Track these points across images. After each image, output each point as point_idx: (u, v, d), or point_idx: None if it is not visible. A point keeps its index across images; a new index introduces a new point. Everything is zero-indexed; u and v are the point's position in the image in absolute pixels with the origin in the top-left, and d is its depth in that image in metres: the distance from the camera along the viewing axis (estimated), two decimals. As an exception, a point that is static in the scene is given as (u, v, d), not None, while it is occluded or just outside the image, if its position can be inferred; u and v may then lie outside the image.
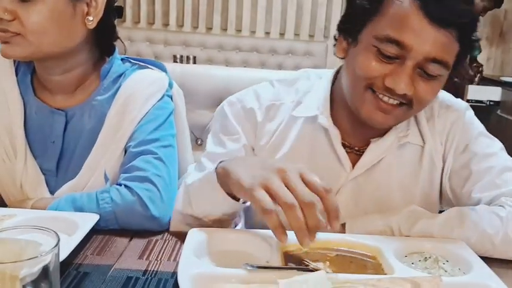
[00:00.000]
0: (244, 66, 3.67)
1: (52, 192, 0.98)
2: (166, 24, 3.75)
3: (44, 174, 0.98)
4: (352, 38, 0.90)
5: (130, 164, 0.92)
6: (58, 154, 0.99)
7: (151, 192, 0.88)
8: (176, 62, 2.95)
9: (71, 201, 0.87)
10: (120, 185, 0.89)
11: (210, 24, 3.79)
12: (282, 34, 3.82)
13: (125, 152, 0.96)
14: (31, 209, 0.89)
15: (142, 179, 0.89)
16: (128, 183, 0.88)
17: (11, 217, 0.80)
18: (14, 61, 1.01)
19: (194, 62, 3.01)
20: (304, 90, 1.00)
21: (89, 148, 0.97)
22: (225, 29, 3.81)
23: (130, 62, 1.06)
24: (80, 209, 0.86)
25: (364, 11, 0.87)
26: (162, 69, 1.08)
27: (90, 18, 0.92)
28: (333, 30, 3.75)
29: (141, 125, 0.96)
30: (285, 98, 1.01)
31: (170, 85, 1.06)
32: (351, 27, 0.90)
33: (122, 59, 1.05)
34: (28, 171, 0.97)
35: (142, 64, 1.06)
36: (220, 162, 0.80)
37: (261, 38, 3.79)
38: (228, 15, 3.79)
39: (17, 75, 1.00)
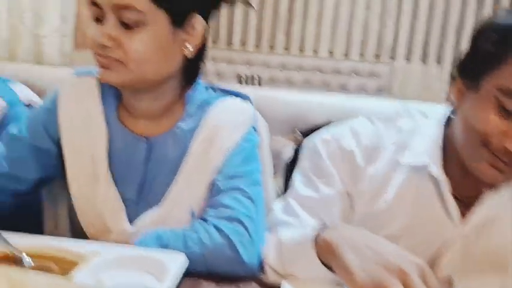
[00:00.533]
0: (307, 86, 3.61)
1: (132, 222, 0.94)
2: (230, 43, 3.75)
3: (124, 203, 0.95)
4: (472, 82, 0.81)
5: (218, 200, 0.86)
6: (139, 182, 0.95)
7: (241, 235, 0.82)
8: (241, 82, 2.93)
9: (156, 238, 0.83)
10: (207, 221, 0.84)
11: (273, 43, 3.76)
12: (346, 54, 3.73)
13: (211, 185, 0.91)
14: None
15: (232, 219, 0.83)
16: (216, 222, 0.83)
17: (95, 255, 0.76)
18: (100, 84, 0.98)
19: (259, 83, 2.97)
20: (408, 131, 0.92)
21: (171, 178, 0.93)
22: (288, 49, 3.76)
23: (213, 89, 1.02)
24: (166, 247, 0.81)
25: (489, 56, 0.77)
26: (245, 98, 1.03)
27: (189, 46, 0.89)
28: (400, 52, 3.69)
29: (229, 158, 0.91)
30: (386, 139, 0.92)
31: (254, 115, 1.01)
32: (471, 71, 0.81)
33: (206, 87, 1.01)
34: (109, 199, 0.94)
35: (227, 89, 1.02)
36: (321, 227, 0.72)
37: (324, 57, 3.72)
38: (291, 34, 3.75)
39: (102, 99, 0.98)
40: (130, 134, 0.95)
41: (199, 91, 0.98)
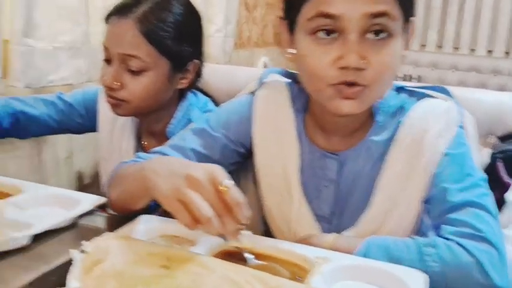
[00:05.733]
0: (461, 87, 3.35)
1: None
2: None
3: (316, 221, 0.90)
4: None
5: (453, 217, 0.76)
6: (332, 199, 0.89)
7: (491, 255, 0.71)
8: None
9: (384, 249, 0.75)
10: (448, 239, 0.74)
11: (424, 41, 3.54)
12: (507, 53, 3.39)
13: (427, 201, 0.82)
14: (331, 249, 0.80)
15: (477, 237, 0.72)
16: (460, 240, 0.73)
17: (325, 262, 0.71)
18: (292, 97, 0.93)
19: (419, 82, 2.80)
20: None
21: (367, 194, 0.85)
22: (441, 46, 3.52)
23: (406, 90, 0.90)
24: (396, 260, 0.73)
25: None
26: (446, 93, 0.90)
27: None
28: None
29: (441, 171, 0.80)
30: None
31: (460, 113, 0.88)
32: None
33: (396, 88, 0.90)
34: (303, 218, 0.89)
35: (422, 91, 0.90)
36: None
37: (482, 56, 3.42)
38: (444, 31, 3.50)
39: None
40: (319, 151, 0.89)
41: (390, 97, 0.87)
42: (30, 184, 0.96)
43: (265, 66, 2.90)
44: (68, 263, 0.72)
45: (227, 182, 0.64)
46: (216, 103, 1.47)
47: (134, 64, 1.02)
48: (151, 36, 1.02)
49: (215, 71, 1.66)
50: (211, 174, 0.64)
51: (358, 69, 0.73)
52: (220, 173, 0.64)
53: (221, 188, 0.63)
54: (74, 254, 0.65)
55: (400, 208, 0.83)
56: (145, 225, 0.80)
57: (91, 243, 0.66)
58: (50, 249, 0.78)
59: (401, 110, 0.86)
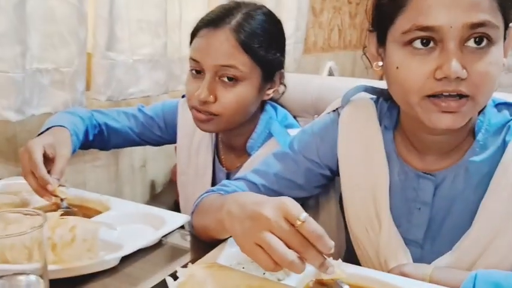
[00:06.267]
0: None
1: None
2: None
3: (406, 245, 0.84)
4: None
5: None
6: (425, 223, 0.83)
7: None
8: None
9: (494, 285, 0.69)
10: None
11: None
12: None
13: None
14: (430, 282, 0.75)
15: None
16: None
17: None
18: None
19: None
20: None
21: (465, 218, 0.80)
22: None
23: (507, 105, 0.83)
24: (507, 298, 0.68)
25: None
26: None
27: None
28: None
29: None
30: None
31: None
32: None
33: (496, 105, 0.83)
34: (392, 242, 0.84)
35: None
36: None
37: None
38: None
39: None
40: (412, 171, 0.84)
41: (490, 114, 0.81)
42: (117, 200, 0.98)
43: (331, 71, 2.85)
44: (157, 286, 0.72)
45: (302, 215, 0.59)
46: (291, 112, 1.44)
47: (230, 74, 0.99)
48: (247, 44, 0.99)
49: (287, 79, 1.64)
50: (284, 211, 0.60)
51: (459, 79, 0.68)
52: (292, 207, 0.60)
53: (297, 223, 0.59)
54: (170, 281, 0.64)
55: (505, 237, 0.77)
56: (235, 249, 0.78)
57: (185, 271, 0.65)
58: (138, 270, 0.78)
59: (504, 128, 0.80)
